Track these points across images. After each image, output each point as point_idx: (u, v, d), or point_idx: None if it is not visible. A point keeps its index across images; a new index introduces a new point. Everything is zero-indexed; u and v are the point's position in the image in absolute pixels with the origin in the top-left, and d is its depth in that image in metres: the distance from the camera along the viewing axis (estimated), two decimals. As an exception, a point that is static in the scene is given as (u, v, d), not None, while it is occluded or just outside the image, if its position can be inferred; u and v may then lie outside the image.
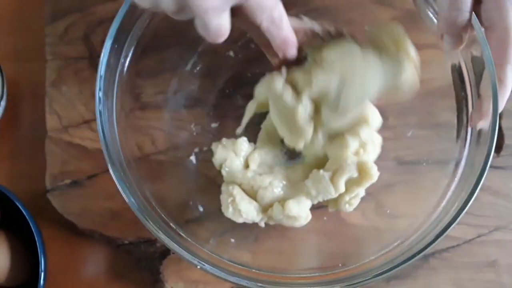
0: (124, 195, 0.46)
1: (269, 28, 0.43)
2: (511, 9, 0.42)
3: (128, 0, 0.48)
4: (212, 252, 0.48)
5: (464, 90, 0.49)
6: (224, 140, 0.53)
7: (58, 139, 0.57)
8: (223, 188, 0.52)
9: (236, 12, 0.40)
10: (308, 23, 0.49)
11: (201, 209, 0.54)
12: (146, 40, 0.52)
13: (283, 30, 0.44)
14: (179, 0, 0.37)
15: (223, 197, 0.52)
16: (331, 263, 0.49)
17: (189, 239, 0.48)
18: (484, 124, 0.45)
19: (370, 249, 0.49)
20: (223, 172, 0.53)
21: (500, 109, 0.45)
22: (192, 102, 0.57)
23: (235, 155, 0.52)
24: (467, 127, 0.48)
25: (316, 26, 0.49)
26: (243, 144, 0.52)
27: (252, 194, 0.52)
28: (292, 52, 0.46)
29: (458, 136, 0.49)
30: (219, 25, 0.39)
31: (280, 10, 0.43)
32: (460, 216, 0.44)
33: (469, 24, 0.43)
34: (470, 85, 0.48)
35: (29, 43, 0.62)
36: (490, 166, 0.57)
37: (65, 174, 0.57)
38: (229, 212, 0.51)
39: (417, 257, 0.45)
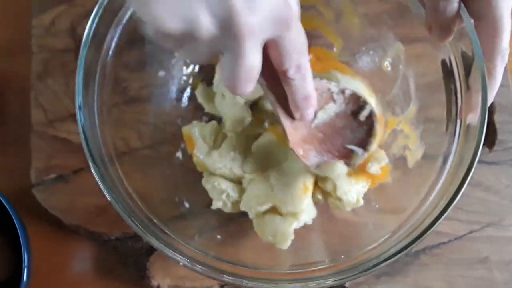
0: (105, 193, 0.45)
1: (295, 77, 0.39)
2: (501, 1, 0.41)
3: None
4: (197, 249, 0.47)
5: (453, 84, 0.48)
6: (194, 122, 0.53)
7: (43, 133, 0.57)
8: (204, 181, 0.52)
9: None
10: (326, 84, 0.46)
11: (186, 205, 0.53)
12: (131, 32, 0.51)
13: (308, 82, 0.40)
14: (223, 19, 0.33)
15: (212, 192, 0.52)
16: (319, 259, 0.49)
17: (173, 236, 0.47)
18: (473, 117, 0.45)
19: (359, 244, 0.49)
20: (194, 159, 0.52)
21: (489, 102, 0.44)
22: (179, 96, 0.56)
23: (203, 141, 0.52)
24: (456, 121, 0.47)
25: (334, 88, 0.46)
26: (212, 127, 0.52)
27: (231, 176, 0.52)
28: (311, 112, 0.43)
29: (447, 130, 0.48)
30: (253, 62, 0.35)
31: (307, 60, 0.40)
32: (448, 211, 0.44)
33: (457, 15, 0.42)
34: (460, 79, 0.47)
35: (15, 35, 0.61)
36: (483, 162, 0.57)
37: (50, 168, 0.56)
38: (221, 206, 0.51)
39: (404, 252, 0.44)
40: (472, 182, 0.46)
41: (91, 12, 0.57)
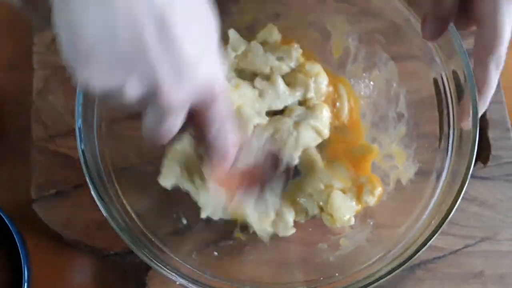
0: (103, 211, 0.46)
1: (215, 140, 0.40)
2: (505, 8, 0.41)
3: None
4: (194, 267, 0.47)
5: (446, 102, 0.49)
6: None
7: (44, 149, 0.57)
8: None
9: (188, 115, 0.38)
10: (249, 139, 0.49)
11: (184, 221, 0.54)
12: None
13: (227, 145, 0.40)
14: (148, 92, 0.33)
15: None
16: (316, 276, 0.49)
17: (170, 254, 0.48)
18: (467, 124, 0.45)
19: (355, 261, 0.49)
20: None
21: (483, 110, 0.44)
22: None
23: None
24: (448, 137, 0.48)
25: (255, 143, 0.49)
26: None
27: None
28: (226, 166, 0.42)
29: (439, 146, 0.49)
30: (172, 126, 0.36)
31: (230, 124, 0.40)
32: (441, 228, 0.44)
33: (454, 11, 0.43)
34: (451, 97, 0.48)
35: (16, 52, 0.62)
36: (477, 177, 0.57)
37: (50, 184, 0.56)
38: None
39: (399, 269, 0.44)
40: (466, 197, 0.47)
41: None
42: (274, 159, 0.50)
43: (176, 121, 0.36)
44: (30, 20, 0.60)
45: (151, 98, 0.34)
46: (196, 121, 0.38)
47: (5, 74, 0.62)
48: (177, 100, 0.34)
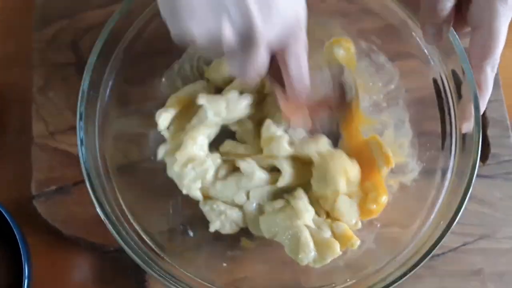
0: (100, 213, 0.46)
1: (295, 75, 0.43)
2: (502, 12, 0.42)
3: (116, 14, 0.49)
4: (204, 280, 0.48)
5: (446, 101, 0.49)
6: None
7: (44, 145, 0.57)
8: (202, 204, 0.52)
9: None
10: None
11: (191, 234, 0.54)
12: (135, 48, 0.52)
13: (303, 72, 0.44)
14: (243, 30, 0.37)
15: (209, 214, 0.52)
16: (328, 281, 0.49)
17: (180, 269, 0.48)
18: (468, 126, 0.46)
19: (365, 264, 0.49)
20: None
21: (481, 111, 0.45)
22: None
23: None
24: (451, 135, 0.48)
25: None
26: (207, 162, 0.51)
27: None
28: (303, 96, 0.46)
29: (443, 145, 0.49)
30: (262, 63, 0.40)
31: (305, 55, 0.43)
32: (448, 233, 0.44)
33: (450, 16, 0.43)
34: (451, 94, 0.48)
35: (17, 49, 0.62)
36: (476, 175, 0.57)
37: (51, 180, 0.56)
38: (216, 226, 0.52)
39: (412, 271, 0.45)
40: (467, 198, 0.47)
41: (92, 27, 0.58)
42: (341, 90, 0.53)
43: (265, 59, 0.40)
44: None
45: (246, 39, 0.38)
46: (277, 55, 0.43)
47: (5, 71, 0.62)
48: (269, 37, 0.38)
